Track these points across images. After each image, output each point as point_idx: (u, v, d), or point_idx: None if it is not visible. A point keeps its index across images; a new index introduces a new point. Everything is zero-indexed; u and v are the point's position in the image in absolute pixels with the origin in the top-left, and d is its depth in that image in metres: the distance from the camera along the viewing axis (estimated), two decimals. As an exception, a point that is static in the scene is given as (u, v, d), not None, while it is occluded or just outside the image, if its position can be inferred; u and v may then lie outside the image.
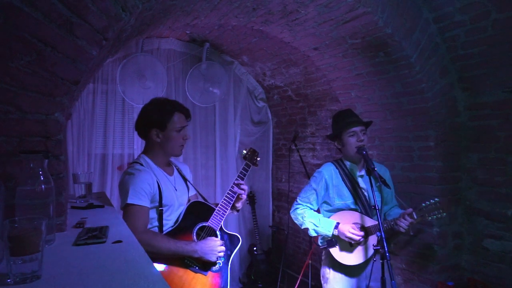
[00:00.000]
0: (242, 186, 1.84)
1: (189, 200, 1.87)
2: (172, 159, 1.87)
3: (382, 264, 1.76)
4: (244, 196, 1.86)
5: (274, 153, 4.32)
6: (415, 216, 1.89)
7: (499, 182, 2.36)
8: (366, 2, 2.07)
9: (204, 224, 1.75)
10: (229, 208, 1.81)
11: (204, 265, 1.67)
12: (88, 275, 0.84)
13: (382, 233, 1.71)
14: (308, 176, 3.29)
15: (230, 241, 1.83)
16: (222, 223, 1.79)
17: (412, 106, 2.55)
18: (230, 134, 3.92)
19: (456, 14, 2.20)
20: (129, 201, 1.54)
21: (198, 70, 3.51)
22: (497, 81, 2.30)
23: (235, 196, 1.83)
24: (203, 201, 1.83)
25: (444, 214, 1.88)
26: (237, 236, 1.85)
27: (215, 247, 1.65)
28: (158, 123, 1.67)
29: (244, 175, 1.89)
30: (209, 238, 1.69)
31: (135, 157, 3.33)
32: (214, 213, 1.78)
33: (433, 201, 1.90)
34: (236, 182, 1.84)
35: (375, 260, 1.95)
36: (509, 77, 2.23)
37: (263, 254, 3.80)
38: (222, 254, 1.69)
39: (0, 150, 1.09)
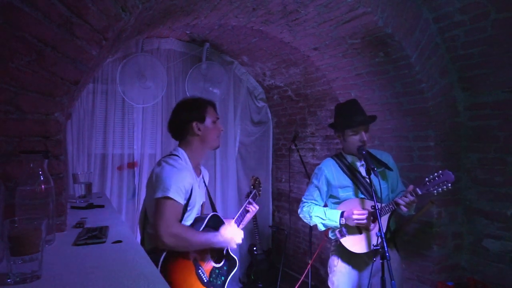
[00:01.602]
0: (254, 205, 2.00)
1: (202, 205, 1.89)
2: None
3: (382, 264, 1.76)
4: (252, 212, 2.00)
5: (274, 153, 4.32)
6: (419, 192, 1.86)
7: (499, 182, 2.36)
8: (366, 2, 2.07)
9: None
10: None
11: (213, 274, 1.71)
12: (88, 275, 0.84)
13: (382, 233, 1.71)
14: (308, 176, 3.29)
15: (229, 264, 1.85)
16: (234, 221, 1.86)
17: (412, 106, 2.55)
18: (230, 134, 3.92)
19: (456, 14, 2.20)
20: (170, 195, 1.53)
21: (198, 70, 3.51)
22: (497, 81, 2.30)
23: (244, 216, 1.96)
24: (219, 215, 1.86)
25: (450, 185, 1.82)
26: (236, 260, 1.88)
27: (236, 234, 1.74)
28: (198, 116, 1.72)
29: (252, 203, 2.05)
30: (227, 226, 1.75)
31: (135, 157, 3.38)
32: None
33: (436, 174, 1.86)
34: (247, 207, 1.99)
35: (374, 260, 1.94)
36: (509, 77, 2.23)
37: (263, 254, 3.80)
38: (240, 241, 1.77)
39: (0, 150, 1.09)
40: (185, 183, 1.60)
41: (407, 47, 2.29)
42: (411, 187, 1.90)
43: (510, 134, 2.29)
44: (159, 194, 1.54)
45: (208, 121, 1.74)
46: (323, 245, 3.03)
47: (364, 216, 1.90)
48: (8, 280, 0.78)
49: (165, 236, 1.47)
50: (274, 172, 4.31)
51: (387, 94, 2.66)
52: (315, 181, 2.14)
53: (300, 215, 2.18)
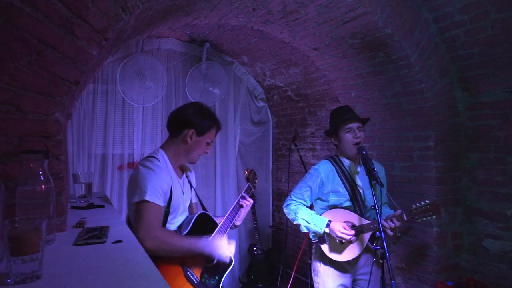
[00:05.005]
0: (248, 199, 1.94)
1: (190, 205, 1.87)
2: (187, 164, 1.87)
3: (382, 264, 1.76)
4: (246, 207, 1.93)
5: (274, 153, 4.32)
6: (405, 218, 1.90)
7: (499, 182, 2.36)
8: (366, 2, 2.07)
9: (207, 238, 1.74)
10: (230, 226, 1.87)
11: (205, 274, 1.68)
12: (88, 275, 0.84)
13: (382, 233, 1.71)
14: (308, 176, 3.29)
15: (223, 263, 1.82)
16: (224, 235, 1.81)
17: (412, 106, 2.55)
18: (230, 134, 3.92)
19: (456, 14, 2.20)
20: (147, 198, 1.50)
21: (198, 70, 3.51)
22: (497, 81, 2.30)
23: (238, 212, 1.90)
24: (208, 213, 1.84)
25: (434, 216, 1.89)
26: (231, 257, 1.85)
27: (226, 249, 1.69)
28: (200, 127, 1.69)
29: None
30: (216, 236, 1.71)
31: (135, 157, 3.38)
32: (218, 228, 1.79)
33: (423, 203, 1.91)
34: (241, 201, 1.93)
35: (374, 260, 1.95)
36: (509, 77, 2.23)
37: (263, 254, 3.80)
38: (231, 254, 1.73)
39: (0, 150, 1.09)
40: (162, 185, 1.57)
41: (407, 47, 2.30)
42: (398, 211, 1.94)
43: (510, 134, 2.30)
44: (136, 198, 1.52)
45: (203, 139, 1.71)
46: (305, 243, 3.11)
47: (349, 237, 1.94)
48: (8, 280, 0.78)
49: (146, 239, 1.43)
50: (274, 172, 4.31)
51: (387, 94, 2.66)
52: (309, 181, 2.13)
53: (285, 210, 2.20)
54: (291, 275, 3.59)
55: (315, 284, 2.17)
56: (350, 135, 2.05)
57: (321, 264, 2.11)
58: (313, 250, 2.22)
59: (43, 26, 1.13)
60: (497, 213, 2.36)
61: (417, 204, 1.92)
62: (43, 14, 1.12)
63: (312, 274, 2.20)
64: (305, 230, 2.10)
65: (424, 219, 1.90)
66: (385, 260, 1.71)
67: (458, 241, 2.57)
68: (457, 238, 2.57)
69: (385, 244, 1.69)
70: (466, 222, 2.57)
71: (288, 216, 2.18)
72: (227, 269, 1.81)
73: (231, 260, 1.84)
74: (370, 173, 1.83)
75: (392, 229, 1.92)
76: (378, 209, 1.76)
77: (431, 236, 2.52)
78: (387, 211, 2.15)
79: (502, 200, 2.34)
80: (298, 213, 2.09)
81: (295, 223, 2.14)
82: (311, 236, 2.17)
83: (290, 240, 3.95)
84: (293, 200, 2.15)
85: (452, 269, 2.56)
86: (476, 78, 2.41)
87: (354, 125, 2.04)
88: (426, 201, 1.92)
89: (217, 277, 1.75)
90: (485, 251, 2.43)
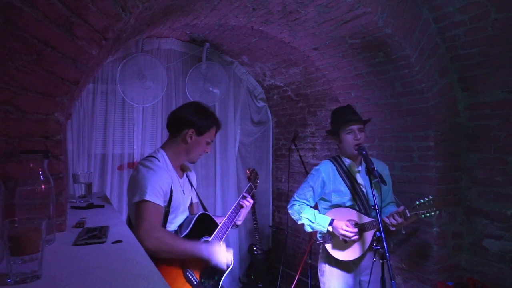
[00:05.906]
0: (248, 199, 1.95)
1: (191, 205, 1.87)
2: (187, 164, 1.87)
3: (382, 264, 1.76)
4: (247, 207, 1.94)
5: (274, 153, 4.32)
6: (408, 214, 1.90)
7: (499, 182, 2.36)
8: (366, 2, 2.07)
9: (207, 239, 1.75)
10: (230, 226, 1.87)
11: (204, 274, 1.68)
12: (88, 275, 0.84)
13: (382, 233, 1.71)
14: (308, 176, 3.29)
15: None
16: (222, 241, 1.81)
17: (412, 106, 2.55)
18: (230, 134, 3.93)
19: (456, 14, 2.20)
20: (147, 198, 1.50)
21: (198, 70, 3.51)
22: (497, 81, 2.30)
23: (239, 212, 1.92)
24: (208, 213, 1.84)
25: (437, 212, 1.89)
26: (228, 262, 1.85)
27: (224, 256, 1.70)
28: (199, 127, 1.69)
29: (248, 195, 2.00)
30: (217, 244, 1.70)
31: (135, 157, 3.38)
32: (218, 229, 1.79)
33: (427, 199, 1.91)
34: (241, 202, 1.94)
35: (374, 260, 1.95)
36: (509, 77, 2.23)
37: (263, 254, 3.80)
38: (230, 262, 1.72)
39: (0, 150, 1.09)
40: (162, 184, 1.57)
41: (407, 47, 2.29)
42: (401, 208, 1.94)
43: (510, 134, 2.30)
44: (136, 198, 1.52)
45: (203, 138, 1.72)
46: (312, 242, 3.11)
47: (352, 235, 1.95)
48: (8, 280, 0.78)
49: (147, 239, 1.42)
50: (274, 172, 4.32)
51: (387, 94, 2.66)
52: (310, 182, 2.15)
53: (289, 211, 2.21)
54: (292, 275, 3.59)
55: (321, 285, 2.18)
56: (351, 136, 2.06)
57: (327, 265, 2.13)
58: (320, 251, 2.23)
59: (43, 26, 1.12)
60: (497, 213, 2.36)
61: (420, 200, 1.92)
62: (43, 14, 1.12)
63: (318, 274, 2.21)
64: (309, 229, 2.11)
65: (428, 214, 1.89)
66: (385, 260, 1.71)
67: (458, 241, 2.57)
68: (457, 238, 2.57)
69: (385, 244, 1.69)
70: (466, 222, 2.57)
71: (292, 216, 2.20)
72: (226, 270, 1.81)
73: (231, 262, 1.83)
74: (371, 173, 1.84)
75: (394, 226, 1.92)
76: (378, 208, 1.77)
77: (431, 236, 2.52)
78: (392, 209, 2.15)
79: (502, 200, 2.34)
80: (301, 213, 2.10)
81: (299, 223, 2.15)
82: (318, 237, 2.17)
83: (290, 240, 3.95)
84: (297, 200, 2.17)
85: (452, 269, 2.56)
86: (476, 78, 2.41)
87: (355, 126, 2.05)
88: (430, 197, 1.92)
89: (216, 278, 1.75)
90: (485, 251, 2.43)
